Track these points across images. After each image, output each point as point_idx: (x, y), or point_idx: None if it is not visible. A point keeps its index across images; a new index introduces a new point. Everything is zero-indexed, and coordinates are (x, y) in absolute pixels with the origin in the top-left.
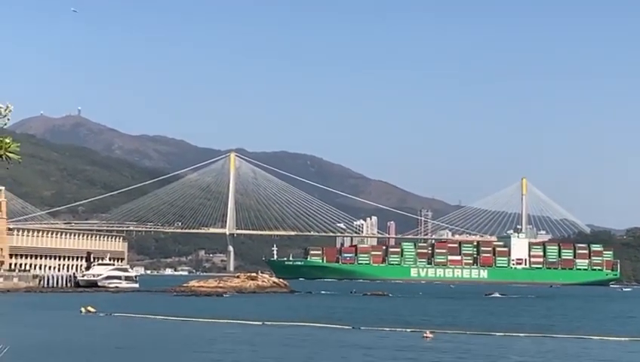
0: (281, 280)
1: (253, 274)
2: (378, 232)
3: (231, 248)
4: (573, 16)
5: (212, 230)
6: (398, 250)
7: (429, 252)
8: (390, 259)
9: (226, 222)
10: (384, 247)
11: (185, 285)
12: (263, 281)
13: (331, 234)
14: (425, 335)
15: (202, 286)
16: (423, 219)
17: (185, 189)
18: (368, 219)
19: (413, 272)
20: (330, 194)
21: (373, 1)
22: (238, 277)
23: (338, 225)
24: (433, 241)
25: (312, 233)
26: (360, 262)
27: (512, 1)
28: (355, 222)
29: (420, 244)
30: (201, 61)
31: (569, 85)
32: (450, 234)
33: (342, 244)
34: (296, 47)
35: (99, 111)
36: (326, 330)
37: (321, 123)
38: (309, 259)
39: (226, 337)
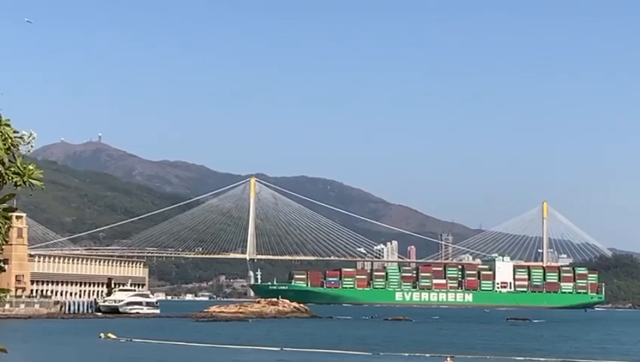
0: (301, 305)
1: (274, 300)
2: (399, 257)
3: (251, 273)
4: (600, 38)
5: (232, 255)
6: (383, 273)
7: (414, 276)
8: (375, 283)
9: (246, 247)
10: (369, 271)
11: (206, 310)
12: (284, 306)
13: (351, 258)
14: (445, 361)
15: (223, 312)
16: (443, 243)
17: (205, 214)
18: (389, 243)
19: (398, 296)
20: (350, 219)
21: (398, 26)
22: (258, 302)
23: (358, 249)
24: (417, 265)
25: (332, 258)
26: (344, 286)
27: (535, 22)
28: (375, 247)
29: (404, 268)
30: (220, 87)
31: (590, 108)
32: (471, 258)
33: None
34: (316, 72)
35: (119, 137)
36: (347, 357)
37: (341, 147)
38: (293, 283)
39: None
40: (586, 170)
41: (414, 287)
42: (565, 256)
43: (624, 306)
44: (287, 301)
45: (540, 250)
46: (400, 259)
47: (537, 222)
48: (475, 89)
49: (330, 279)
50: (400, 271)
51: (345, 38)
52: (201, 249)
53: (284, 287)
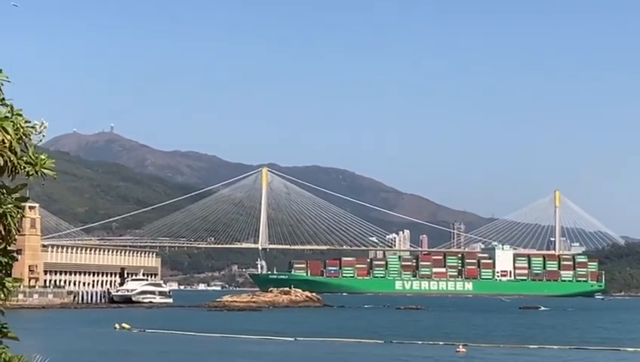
0: (314, 294)
1: (286, 289)
2: (411, 246)
3: (264, 263)
4: (608, 34)
5: (245, 245)
6: (383, 262)
7: (414, 264)
8: (375, 272)
9: (258, 236)
10: (369, 260)
11: (218, 300)
12: (296, 296)
13: (364, 248)
14: (458, 349)
15: (235, 301)
16: (455, 232)
17: (217, 204)
18: (401, 232)
19: (398, 285)
20: (362, 208)
21: (411, 16)
22: (270, 291)
23: (370, 238)
24: (417, 254)
25: (344, 247)
26: (344, 275)
27: (548, 18)
28: (387, 236)
29: (404, 257)
30: (232, 77)
31: (603, 95)
32: (483, 246)
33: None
34: (328, 62)
35: (131, 127)
36: (359, 345)
37: (353, 137)
38: (293, 272)
39: (261, 353)
40: (598, 158)
41: (414, 276)
42: (578, 244)
43: (637, 294)
44: (300, 290)
45: (552, 239)
46: (412, 248)
47: (549, 211)
48: (486, 79)
49: (330, 268)
50: (400, 259)
51: (355, 29)
52: (213, 239)
53: (283, 277)
